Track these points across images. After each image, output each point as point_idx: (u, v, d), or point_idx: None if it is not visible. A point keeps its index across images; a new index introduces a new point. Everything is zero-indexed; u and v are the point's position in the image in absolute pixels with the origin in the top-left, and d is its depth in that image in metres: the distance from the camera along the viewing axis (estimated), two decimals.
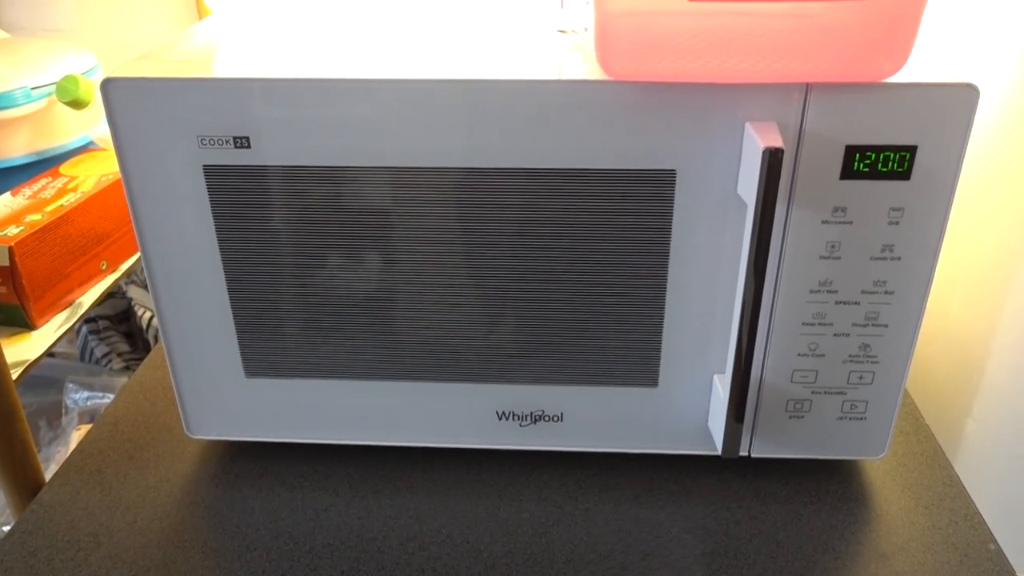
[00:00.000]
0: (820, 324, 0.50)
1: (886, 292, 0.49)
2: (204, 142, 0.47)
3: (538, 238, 0.49)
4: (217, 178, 0.48)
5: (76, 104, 0.90)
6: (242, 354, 0.53)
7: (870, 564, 0.50)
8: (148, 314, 1.14)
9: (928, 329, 0.68)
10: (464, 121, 0.45)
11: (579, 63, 0.47)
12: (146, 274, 0.51)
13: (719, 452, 0.51)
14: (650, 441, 0.55)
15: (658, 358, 0.52)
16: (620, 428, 0.55)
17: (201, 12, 1.21)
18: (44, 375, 1.08)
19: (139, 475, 0.58)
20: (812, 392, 0.52)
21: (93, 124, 0.97)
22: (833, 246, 0.47)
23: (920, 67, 0.44)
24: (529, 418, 0.55)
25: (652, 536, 0.52)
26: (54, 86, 0.89)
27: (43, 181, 0.82)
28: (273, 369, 0.54)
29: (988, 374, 0.59)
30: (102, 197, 0.81)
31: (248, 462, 0.58)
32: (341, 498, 0.55)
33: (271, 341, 0.53)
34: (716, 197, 0.47)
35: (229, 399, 0.55)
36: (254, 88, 0.45)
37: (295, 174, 0.47)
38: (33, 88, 0.88)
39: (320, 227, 0.49)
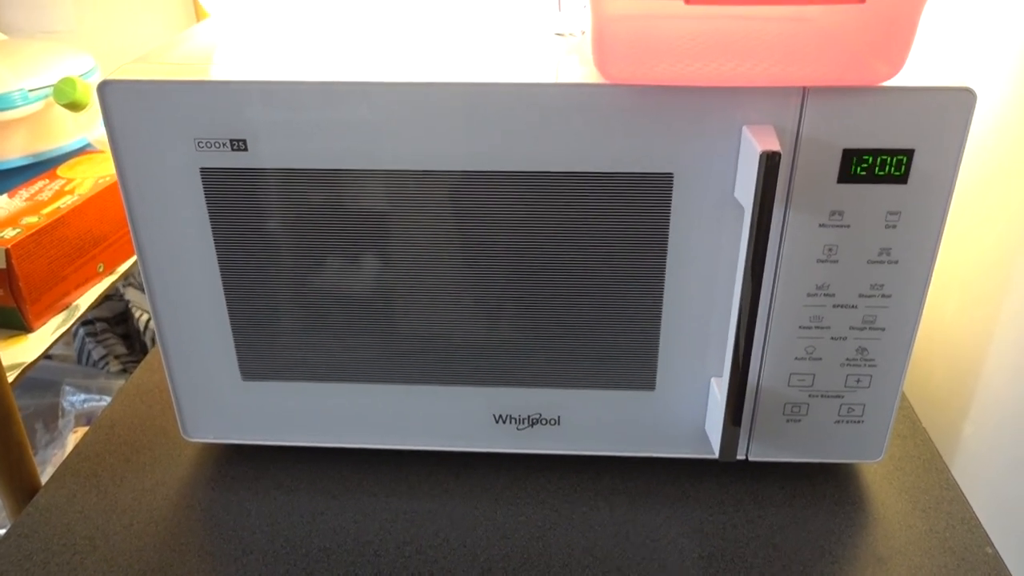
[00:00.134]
0: (817, 328, 0.50)
1: (883, 296, 0.49)
2: (201, 145, 0.47)
3: (535, 241, 0.49)
4: (214, 181, 0.48)
5: (73, 106, 0.90)
6: (239, 357, 0.53)
7: (867, 568, 0.50)
8: (145, 316, 1.14)
9: (925, 332, 0.68)
10: (461, 124, 0.45)
11: (576, 66, 0.47)
12: (143, 277, 0.51)
13: (716, 456, 0.51)
14: (647, 444, 0.55)
15: (655, 361, 0.52)
16: (617, 431, 0.55)
17: (199, 15, 1.21)
18: (41, 377, 1.08)
19: (135, 478, 0.57)
20: (809, 395, 0.52)
21: (90, 126, 0.97)
22: (830, 250, 0.47)
23: (917, 71, 0.45)
24: (526, 421, 0.55)
25: (649, 540, 0.52)
26: (51, 88, 0.89)
27: (40, 183, 0.82)
28: (270, 372, 0.54)
29: (985, 377, 0.59)
30: (99, 199, 0.80)
31: (244, 465, 0.58)
32: (338, 501, 0.55)
33: (268, 344, 0.53)
34: (713, 201, 0.47)
35: (225, 402, 0.55)
36: (251, 91, 0.45)
37: (292, 177, 0.47)
38: (31, 90, 0.88)
39: (317, 230, 0.49)
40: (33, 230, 0.72)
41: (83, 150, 0.95)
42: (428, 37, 0.53)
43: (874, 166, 0.45)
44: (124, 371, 1.14)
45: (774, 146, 0.42)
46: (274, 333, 0.52)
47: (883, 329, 0.50)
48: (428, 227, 0.48)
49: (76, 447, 0.60)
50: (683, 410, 0.54)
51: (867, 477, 0.57)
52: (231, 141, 0.47)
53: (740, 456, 0.55)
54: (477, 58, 0.48)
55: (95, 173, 0.85)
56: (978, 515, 0.54)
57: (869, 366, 0.51)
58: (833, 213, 0.46)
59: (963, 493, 0.55)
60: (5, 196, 0.79)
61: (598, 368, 0.52)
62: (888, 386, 0.52)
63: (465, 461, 0.58)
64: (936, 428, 0.65)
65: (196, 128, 0.46)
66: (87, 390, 1.07)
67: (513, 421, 0.55)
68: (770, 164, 0.41)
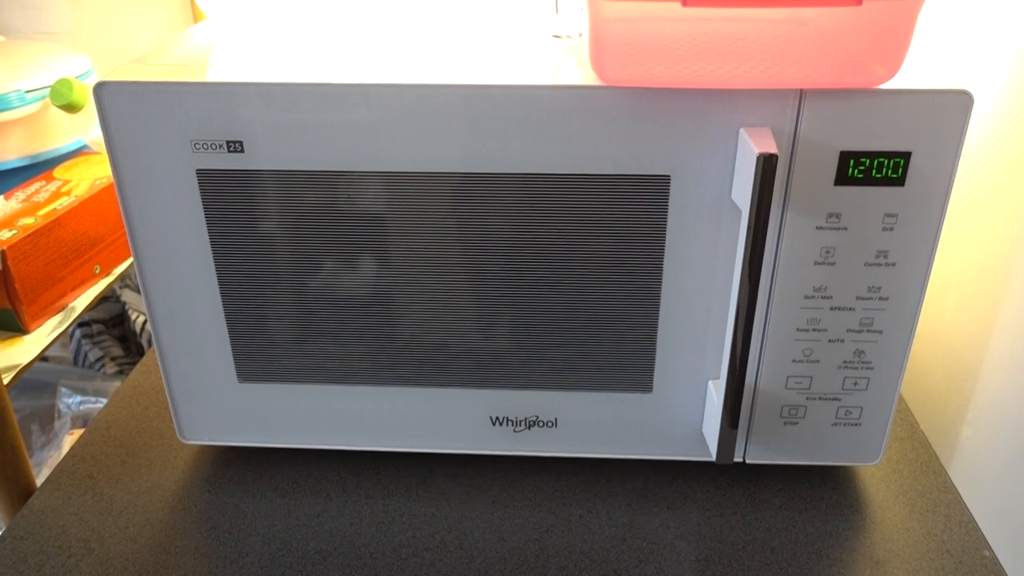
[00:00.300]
0: (814, 330, 0.50)
1: (880, 298, 0.49)
2: (197, 146, 0.47)
3: (532, 243, 0.48)
4: (210, 182, 0.48)
5: (70, 108, 0.90)
6: (235, 359, 0.53)
7: (865, 571, 0.50)
8: (142, 318, 1.14)
9: (923, 335, 0.68)
10: (458, 126, 0.45)
11: (574, 68, 0.47)
12: (139, 278, 0.51)
13: (713, 458, 0.51)
14: (644, 447, 0.55)
15: (652, 363, 0.52)
16: (614, 434, 0.55)
17: (195, 16, 1.21)
18: (37, 379, 1.08)
19: (131, 480, 0.57)
20: (807, 398, 0.52)
21: (87, 128, 0.96)
22: (827, 252, 0.47)
23: (914, 73, 0.45)
24: (523, 423, 0.55)
25: (646, 542, 0.52)
26: (48, 89, 0.89)
27: (36, 185, 0.82)
28: (266, 374, 0.54)
29: (983, 379, 0.59)
30: (96, 201, 0.80)
31: (241, 467, 0.58)
32: (334, 503, 0.55)
33: (264, 346, 0.53)
34: (710, 203, 0.47)
35: (222, 404, 0.55)
36: (248, 92, 0.45)
37: (289, 179, 0.47)
38: (27, 91, 0.88)
39: (314, 232, 0.49)
40: (29, 231, 0.72)
41: (79, 151, 0.95)
42: (425, 39, 0.53)
43: (871, 168, 0.45)
44: (120, 373, 1.14)
45: (771, 148, 0.42)
46: (270, 335, 0.52)
47: (880, 331, 0.50)
48: (425, 229, 0.48)
49: (72, 449, 0.60)
50: (680, 412, 0.54)
51: (864, 480, 0.57)
52: (227, 143, 0.46)
53: (737, 458, 0.55)
54: (474, 60, 0.48)
55: (91, 174, 0.85)
56: (976, 518, 0.54)
57: (866, 368, 0.51)
58: (830, 215, 0.46)
59: (961, 496, 0.55)
60: (1, 197, 0.79)
61: (595, 370, 0.52)
62: (886, 389, 0.52)
63: (462, 463, 0.58)
64: (934, 431, 0.65)
65: (192, 129, 0.46)
66: (83, 392, 1.07)
67: (510, 423, 0.55)
68: (767, 166, 0.41)
